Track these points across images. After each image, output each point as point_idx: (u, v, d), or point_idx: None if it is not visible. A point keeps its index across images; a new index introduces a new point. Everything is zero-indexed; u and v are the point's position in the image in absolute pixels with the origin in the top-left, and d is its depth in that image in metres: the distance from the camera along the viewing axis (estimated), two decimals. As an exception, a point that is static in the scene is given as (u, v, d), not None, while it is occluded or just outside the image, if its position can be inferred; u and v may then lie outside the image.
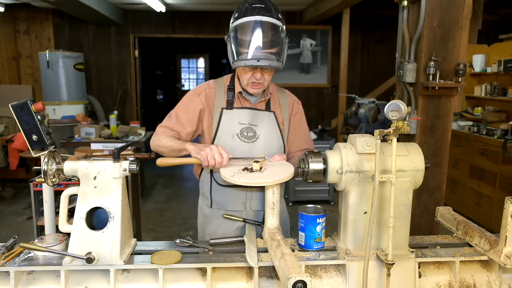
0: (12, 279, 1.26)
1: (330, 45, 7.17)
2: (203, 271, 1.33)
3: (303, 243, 1.39)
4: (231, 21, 1.59)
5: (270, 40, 1.52)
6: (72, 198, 1.37)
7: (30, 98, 1.70)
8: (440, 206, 1.72)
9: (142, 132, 5.36)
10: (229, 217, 1.67)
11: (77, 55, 6.37)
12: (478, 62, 5.37)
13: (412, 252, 1.34)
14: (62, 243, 1.34)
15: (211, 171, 1.75)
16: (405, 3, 2.52)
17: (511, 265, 1.28)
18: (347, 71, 6.02)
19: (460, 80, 2.44)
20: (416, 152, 1.34)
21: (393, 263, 1.22)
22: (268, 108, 1.75)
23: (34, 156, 1.39)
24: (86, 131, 5.09)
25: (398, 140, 1.21)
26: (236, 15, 1.56)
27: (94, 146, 4.51)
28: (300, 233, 1.40)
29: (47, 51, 5.99)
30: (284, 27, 1.57)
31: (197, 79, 12.80)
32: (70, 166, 1.30)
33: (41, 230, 2.70)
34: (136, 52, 7.18)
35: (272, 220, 1.47)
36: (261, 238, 1.51)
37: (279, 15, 1.56)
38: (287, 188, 5.01)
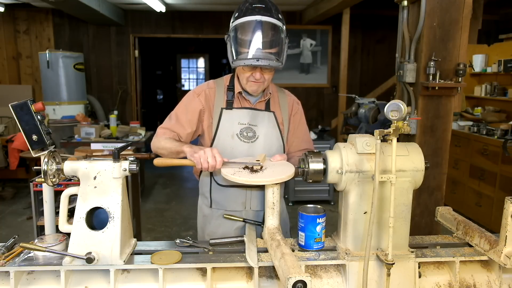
0: (12, 279, 1.26)
1: (330, 45, 7.17)
2: (203, 271, 1.33)
3: (303, 243, 1.39)
4: (231, 21, 1.59)
5: (270, 40, 1.52)
6: (72, 198, 1.37)
7: (30, 98, 1.70)
8: (440, 206, 1.72)
9: (142, 132, 5.36)
10: (229, 217, 1.67)
11: (77, 55, 6.37)
12: (478, 62, 5.36)
13: (412, 252, 1.34)
14: (62, 243, 1.34)
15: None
16: (405, 3, 2.52)
17: (511, 265, 1.28)
18: (347, 71, 6.02)
19: (460, 80, 2.44)
20: (416, 152, 1.34)
21: (393, 263, 1.22)
22: (267, 108, 1.75)
23: (34, 156, 1.39)
24: (86, 131, 5.09)
25: (398, 140, 1.21)
26: (237, 14, 1.56)
27: (94, 146, 4.51)
28: (300, 233, 1.40)
29: (47, 51, 5.99)
30: (284, 27, 1.57)
31: (197, 79, 12.80)
32: (70, 166, 1.30)
33: (41, 230, 2.70)
34: (136, 52, 7.18)
35: (272, 220, 1.47)
36: (261, 238, 1.51)
37: (279, 15, 1.56)
38: (287, 188, 5.00)
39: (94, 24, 6.92)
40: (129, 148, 4.17)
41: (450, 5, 2.39)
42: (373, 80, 7.23)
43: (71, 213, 1.34)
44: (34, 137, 1.36)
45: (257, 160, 1.48)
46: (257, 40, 1.49)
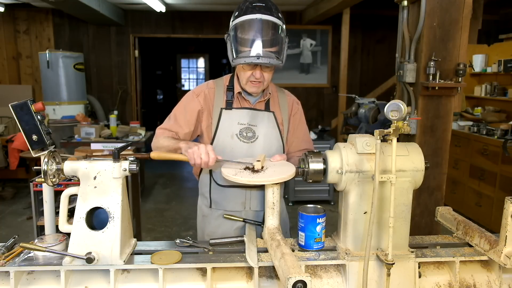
0: (12, 279, 1.26)
1: (330, 45, 7.17)
2: (203, 271, 1.33)
3: (303, 243, 1.39)
4: (231, 20, 1.59)
5: (270, 38, 1.52)
6: (72, 198, 1.37)
7: (30, 98, 1.70)
8: (440, 206, 1.72)
9: (142, 132, 5.36)
10: (229, 217, 1.67)
11: (77, 55, 6.37)
12: (478, 62, 5.36)
13: (412, 252, 1.34)
14: (62, 243, 1.34)
15: (210, 171, 1.75)
16: (405, 3, 2.52)
17: (511, 265, 1.28)
18: (347, 71, 6.02)
19: (460, 80, 2.44)
20: (416, 152, 1.34)
21: (393, 263, 1.22)
22: (267, 108, 1.75)
23: (34, 156, 1.39)
24: (86, 131, 5.09)
25: (398, 140, 1.21)
26: (237, 13, 1.57)
27: (94, 146, 4.51)
28: (300, 233, 1.40)
29: (47, 51, 5.99)
30: (284, 26, 1.58)
31: (197, 79, 12.80)
32: (70, 166, 1.30)
33: (41, 230, 2.70)
34: (136, 52, 7.18)
35: (272, 220, 1.47)
36: (261, 238, 1.51)
37: (279, 14, 1.56)
38: (287, 188, 5.01)
39: (94, 24, 6.92)
40: (129, 148, 4.17)
41: (450, 5, 2.39)
42: (373, 80, 7.23)
43: (71, 213, 1.34)
44: (34, 137, 1.36)
45: (257, 161, 1.48)
46: (257, 38, 1.50)
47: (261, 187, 1.65)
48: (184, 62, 12.61)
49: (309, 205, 1.44)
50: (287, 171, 1.45)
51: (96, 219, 1.32)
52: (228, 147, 1.67)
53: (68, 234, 1.32)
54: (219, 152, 1.66)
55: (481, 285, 1.38)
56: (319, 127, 5.48)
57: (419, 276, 1.36)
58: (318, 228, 1.36)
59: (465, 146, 4.72)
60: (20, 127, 1.36)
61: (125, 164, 1.30)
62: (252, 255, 1.32)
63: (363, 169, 1.29)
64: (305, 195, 5.11)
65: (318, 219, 1.36)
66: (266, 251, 1.38)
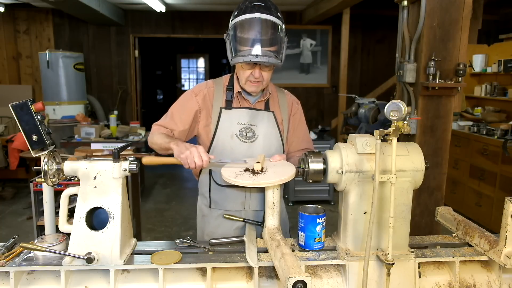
0: (12, 279, 1.26)
1: (330, 45, 7.17)
2: (203, 271, 1.33)
3: (303, 243, 1.39)
4: (231, 19, 1.59)
5: (269, 38, 1.52)
6: (72, 198, 1.37)
7: (30, 98, 1.70)
8: (440, 206, 1.72)
9: (142, 132, 5.36)
10: (229, 217, 1.67)
11: (77, 55, 6.37)
12: (478, 62, 5.36)
13: (412, 252, 1.34)
14: (62, 243, 1.34)
15: (210, 171, 1.75)
16: (405, 3, 2.52)
17: (511, 265, 1.28)
18: (347, 71, 6.02)
19: (460, 80, 2.44)
20: (416, 152, 1.34)
21: (393, 263, 1.22)
22: (267, 108, 1.75)
23: (34, 156, 1.39)
24: (86, 131, 5.09)
25: (398, 140, 1.21)
26: (236, 13, 1.57)
27: (94, 146, 4.51)
28: (300, 233, 1.40)
29: (47, 51, 5.99)
30: (283, 26, 1.58)
31: (197, 79, 12.80)
32: (70, 166, 1.30)
33: (41, 230, 2.70)
34: (136, 52, 7.18)
35: (272, 220, 1.47)
36: (261, 238, 1.51)
37: (278, 13, 1.57)
38: (287, 188, 5.01)
39: (94, 24, 6.92)
40: (129, 148, 4.18)
41: (450, 5, 2.39)
42: (373, 80, 7.23)
43: (71, 213, 1.34)
44: (34, 137, 1.36)
45: (257, 162, 1.48)
46: (256, 37, 1.50)
47: (261, 188, 1.65)
48: (184, 62, 12.61)
49: (309, 205, 1.44)
50: (287, 172, 1.45)
51: (96, 219, 1.32)
52: (228, 147, 1.67)
53: (68, 234, 1.32)
54: (219, 152, 1.66)
55: (481, 285, 1.38)
56: (319, 127, 5.47)
57: (419, 276, 1.36)
58: (318, 228, 1.36)
59: (465, 146, 4.72)
60: (20, 127, 1.36)
61: (125, 164, 1.30)
62: (252, 255, 1.32)
63: (363, 169, 1.29)
64: (305, 195, 5.11)
65: (318, 219, 1.36)
66: (266, 251, 1.38)
